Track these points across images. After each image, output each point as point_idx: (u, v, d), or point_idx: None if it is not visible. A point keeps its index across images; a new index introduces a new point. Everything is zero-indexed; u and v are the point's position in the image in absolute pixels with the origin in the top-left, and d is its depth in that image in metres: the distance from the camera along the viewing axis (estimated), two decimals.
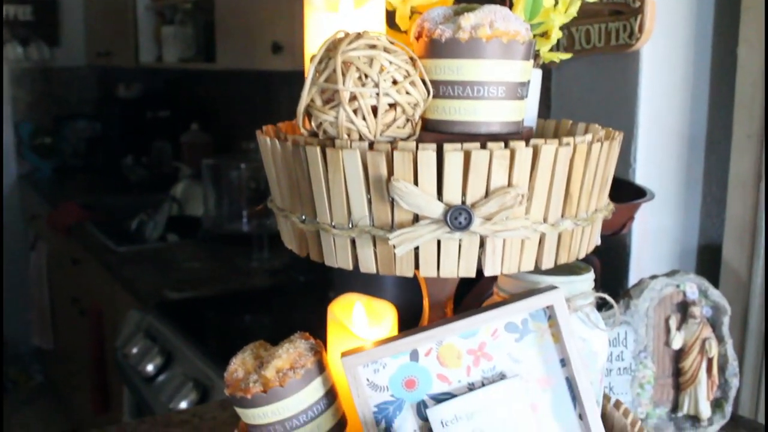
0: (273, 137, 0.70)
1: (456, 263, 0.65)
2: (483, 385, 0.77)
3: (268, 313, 2.08)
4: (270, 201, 0.77)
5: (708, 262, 1.33)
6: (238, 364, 0.78)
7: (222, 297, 2.18)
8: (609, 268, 1.24)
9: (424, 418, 0.77)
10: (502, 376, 0.77)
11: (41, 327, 3.76)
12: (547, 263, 0.69)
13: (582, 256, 0.74)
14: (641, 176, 1.25)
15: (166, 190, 3.15)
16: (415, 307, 0.92)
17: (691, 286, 1.07)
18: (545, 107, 1.38)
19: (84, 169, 4.06)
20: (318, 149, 0.64)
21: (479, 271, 0.67)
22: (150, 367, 1.89)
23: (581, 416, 0.78)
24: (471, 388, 0.77)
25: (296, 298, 2.17)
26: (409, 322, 0.86)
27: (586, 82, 1.30)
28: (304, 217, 0.70)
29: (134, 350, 1.97)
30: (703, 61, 1.27)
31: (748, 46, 1.21)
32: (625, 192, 1.16)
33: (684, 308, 1.07)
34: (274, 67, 2.27)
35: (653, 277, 1.06)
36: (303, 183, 0.68)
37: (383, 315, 0.89)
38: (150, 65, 3.46)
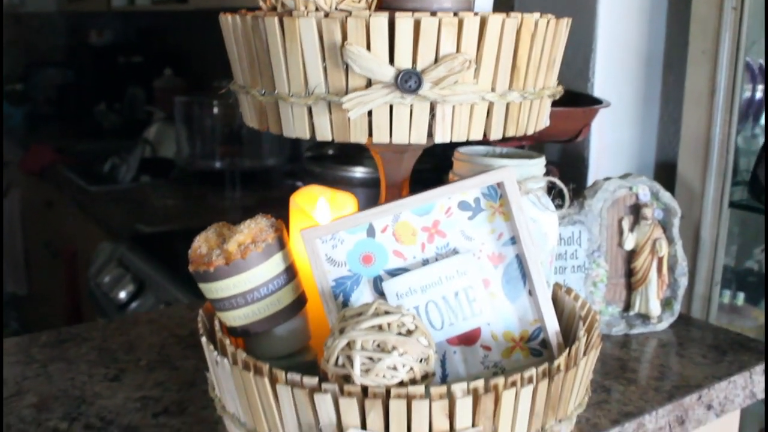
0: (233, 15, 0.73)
1: (407, 129, 0.69)
2: (437, 260, 0.81)
3: None
4: (232, 84, 0.80)
5: (664, 178, 1.37)
6: (202, 241, 0.81)
7: (194, 231, 2.19)
8: (567, 180, 1.28)
9: (381, 292, 0.80)
10: (455, 253, 0.81)
11: (15, 273, 3.77)
12: (496, 134, 0.73)
13: (530, 131, 0.77)
14: (599, 91, 1.28)
15: (139, 135, 3.16)
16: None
17: (644, 188, 1.11)
18: None
19: (56, 116, 4.04)
20: (276, 20, 0.67)
21: (430, 137, 0.70)
22: (122, 294, 1.92)
23: (531, 292, 0.82)
24: (425, 264, 0.81)
25: None
26: None
27: None
28: (263, 91, 0.72)
29: (107, 279, 2.00)
30: None
31: None
32: (584, 103, 1.20)
33: (636, 210, 1.11)
34: (246, 2, 2.27)
35: (607, 178, 1.10)
36: (262, 56, 0.70)
37: (344, 205, 0.92)
38: (122, 9, 3.44)
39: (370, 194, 1.78)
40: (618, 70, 1.30)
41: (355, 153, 2.10)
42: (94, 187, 2.70)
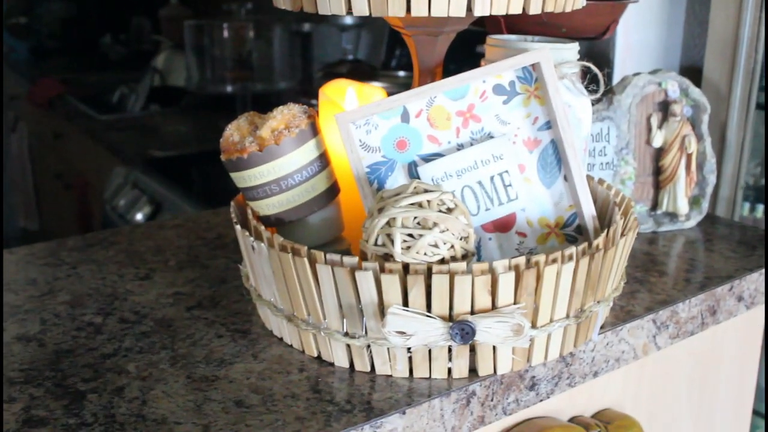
0: None
1: (447, 1, 0.67)
2: (472, 145, 0.79)
3: None
4: None
5: (689, 79, 1.35)
6: (233, 129, 0.80)
7: (207, 154, 2.19)
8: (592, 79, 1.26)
9: (416, 178, 0.79)
10: (490, 137, 0.80)
11: (26, 208, 3.77)
12: (535, 8, 0.71)
13: (568, 9, 0.75)
14: None
15: (146, 65, 3.13)
16: None
17: (673, 84, 1.09)
18: None
19: (61, 49, 3.99)
20: None
21: (469, 9, 0.68)
22: (139, 216, 1.91)
23: (566, 178, 0.81)
24: (460, 149, 0.80)
25: None
26: None
27: None
28: None
29: (122, 202, 1.99)
30: None
31: None
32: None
33: (665, 107, 1.09)
34: None
35: (636, 74, 1.08)
36: None
37: (373, 97, 0.91)
38: None
39: None
40: None
41: (368, 71, 2.07)
42: (103, 116, 2.67)
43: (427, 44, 0.79)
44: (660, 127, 1.09)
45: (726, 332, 1.03)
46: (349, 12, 0.69)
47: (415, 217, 0.67)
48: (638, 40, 1.29)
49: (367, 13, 0.68)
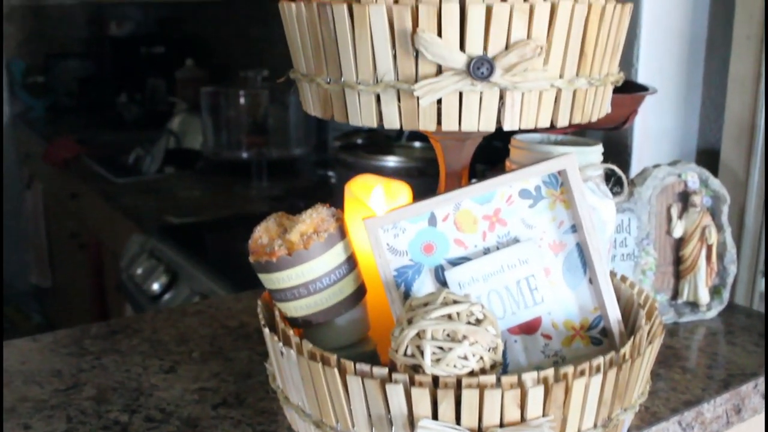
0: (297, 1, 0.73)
1: (477, 117, 0.68)
2: (498, 249, 0.80)
3: None
4: (292, 72, 0.79)
5: (706, 164, 1.36)
6: (262, 232, 0.81)
7: (223, 221, 2.21)
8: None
9: (442, 282, 0.80)
10: (516, 241, 0.81)
11: (39, 265, 3.79)
12: (562, 121, 0.72)
13: (594, 118, 0.76)
14: (643, 76, 1.27)
15: (162, 127, 3.16)
16: None
17: (693, 175, 1.10)
18: None
19: (78, 108, 4.04)
20: (345, 6, 0.67)
21: (498, 126, 0.70)
22: (156, 286, 1.92)
23: (591, 281, 0.82)
24: (486, 252, 0.80)
25: None
26: None
27: None
28: (329, 79, 0.72)
29: (139, 270, 2.00)
30: None
31: None
32: (628, 90, 1.18)
33: (685, 197, 1.10)
34: None
35: (656, 166, 1.09)
36: (329, 43, 0.70)
37: (399, 194, 0.92)
38: (142, 0, 3.44)
39: None
40: (662, 56, 1.29)
41: (384, 142, 2.09)
42: (119, 179, 2.70)
43: (455, 148, 0.80)
44: (680, 217, 1.10)
45: (750, 428, 1.02)
46: (381, 124, 0.70)
47: (445, 329, 0.68)
48: (656, 126, 1.30)
49: (398, 127, 0.69)
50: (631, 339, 0.74)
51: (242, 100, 2.53)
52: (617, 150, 1.29)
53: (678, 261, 1.12)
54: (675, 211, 1.10)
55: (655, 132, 1.30)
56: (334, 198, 2.02)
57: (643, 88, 1.20)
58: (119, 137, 3.42)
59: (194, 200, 2.46)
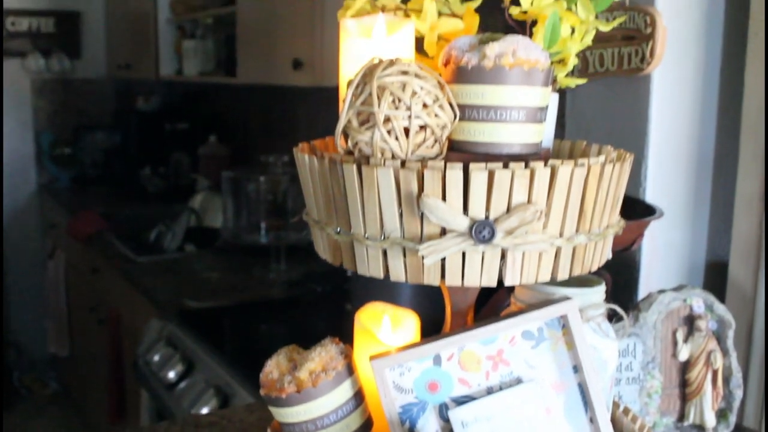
0: (310, 154, 0.76)
1: (479, 273, 0.71)
2: (501, 388, 0.82)
3: (286, 323, 2.13)
4: (305, 214, 0.83)
5: (715, 277, 1.38)
6: (273, 366, 0.84)
7: (241, 306, 2.24)
8: (620, 282, 1.29)
9: (446, 419, 0.82)
10: (518, 381, 0.83)
11: (58, 334, 3.82)
12: (562, 275, 0.75)
13: (594, 269, 0.79)
14: (651, 195, 1.30)
15: (184, 201, 3.22)
16: (432, 313, 0.98)
17: (698, 300, 1.12)
18: (560, 126, 1.43)
19: (102, 179, 4.13)
20: (354, 167, 0.70)
21: (500, 281, 0.73)
22: (171, 374, 1.94)
23: (592, 420, 0.84)
24: (490, 391, 0.82)
25: (313, 308, 2.23)
26: (428, 326, 0.91)
27: (599, 103, 1.36)
28: (339, 229, 0.75)
29: (156, 357, 2.03)
30: (712, 84, 1.33)
31: (755, 72, 1.26)
32: (636, 210, 1.21)
33: (690, 321, 1.12)
34: (293, 82, 2.34)
35: (661, 291, 1.11)
36: (339, 198, 0.73)
37: (407, 323, 0.94)
38: (170, 78, 3.53)
39: None
40: (669, 174, 1.32)
41: None
42: (140, 257, 2.74)
43: (460, 291, 0.83)
44: (686, 341, 1.12)
45: None
46: (387, 277, 0.73)
47: None
48: (664, 242, 1.32)
49: (404, 280, 0.72)
50: None
51: (262, 185, 2.57)
52: (627, 267, 1.32)
53: (684, 384, 1.13)
54: (680, 335, 1.12)
55: (663, 248, 1.33)
56: (349, 284, 2.03)
57: (651, 208, 1.23)
58: (142, 210, 3.49)
59: (213, 282, 2.49)
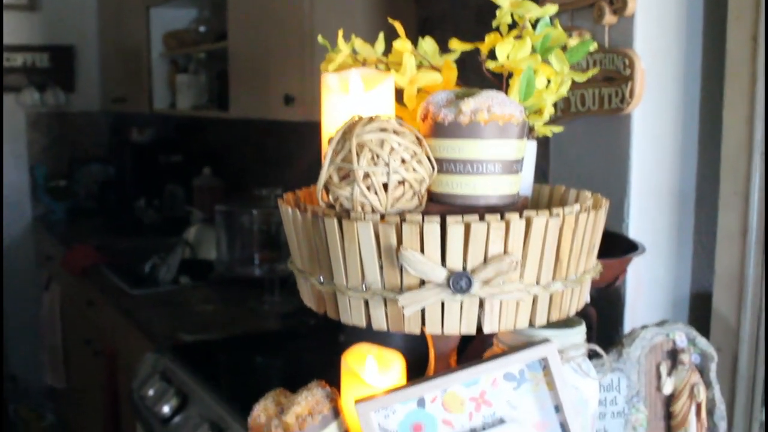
0: (294, 207, 0.79)
1: (458, 322, 0.73)
2: (484, 429, 0.84)
3: (280, 356, 2.14)
4: (290, 262, 0.85)
5: (699, 310, 1.40)
6: (261, 410, 0.86)
7: (235, 339, 2.25)
8: (605, 317, 1.31)
9: None
10: (501, 421, 0.85)
11: (54, 366, 3.83)
12: (540, 321, 0.77)
13: (572, 313, 0.81)
14: (634, 230, 1.32)
15: (178, 233, 3.24)
16: (419, 353, 1.00)
17: (680, 334, 1.14)
18: (545, 162, 1.46)
19: (97, 211, 4.15)
20: (335, 221, 0.73)
21: (479, 328, 0.75)
22: (166, 409, 1.95)
23: None
24: None
25: (307, 340, 2.24)
26: (415, 365, 0.94)
27: (581, 143, 1.39)
28: (322, 279, 0.78)
29: (150, 392, 2.04)
30: (692, 122, 1.36)
31: (733, 110, 1.29)
32: (619, 246, 1.24)
33: (674, 355, 1.14)
34: (285, 117, 2.36)
35: (644, 327, 1.13)
36: (321, 249, 0.76)
37: (392, 364, 0.96)
38: (163, 112, 3.56)
39: None
40: (652, 210, 1.34)
41: None
42: (135, 290, 2.76)
43: (442, 337, 0.85)
44: (669, 374, 1.14)
45: None
46: (369, 326, 0.75)
47: None
48: (648, 275, 1.35)
49: (386, 329, 0.75)
50: None
51: (255, 218, 2.60)
52: (612, 302, 1.34)
53: (669, 415, 1.15)
54: (664, 369, 1.14)
55: (647, 283, 1.35)
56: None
57: (633, 244, 1.25)
58: (136, 242, 3.50)
59: (207, 315, 2.51)
